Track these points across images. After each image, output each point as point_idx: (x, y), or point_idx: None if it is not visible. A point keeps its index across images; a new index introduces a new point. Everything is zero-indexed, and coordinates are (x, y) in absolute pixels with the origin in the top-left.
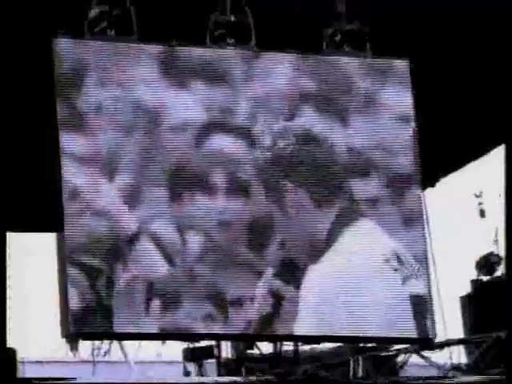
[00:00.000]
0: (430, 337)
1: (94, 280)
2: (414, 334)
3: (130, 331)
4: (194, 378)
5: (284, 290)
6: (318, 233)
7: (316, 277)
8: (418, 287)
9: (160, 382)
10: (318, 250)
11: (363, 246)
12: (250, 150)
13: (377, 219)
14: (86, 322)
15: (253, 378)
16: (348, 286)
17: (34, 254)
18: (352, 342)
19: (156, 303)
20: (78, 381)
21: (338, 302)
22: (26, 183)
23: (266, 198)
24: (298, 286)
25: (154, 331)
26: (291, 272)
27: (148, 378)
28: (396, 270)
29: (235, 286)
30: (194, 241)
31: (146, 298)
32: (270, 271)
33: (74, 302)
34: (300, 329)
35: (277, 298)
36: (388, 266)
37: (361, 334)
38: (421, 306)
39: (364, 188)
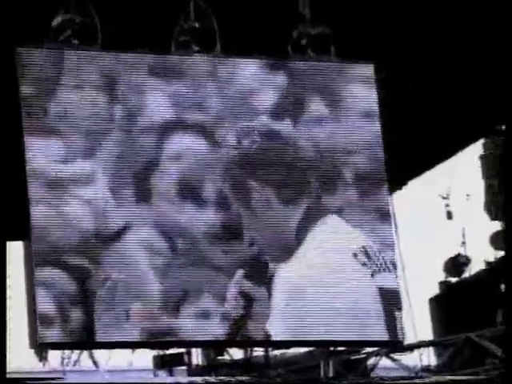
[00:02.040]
0: (400, 339)
1: (64, 288)
2: (383, 333)
3: (102, 340)
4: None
5: (255, 291)
6: (286, 231)
7: (286, 276)
8: (387, 281)
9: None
10: (287, 248)
11: (331, 242)
12: (214, 150)
13: (344, 216)
14: (55, 331)
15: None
16: (318, 284)
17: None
18: (322, 347)
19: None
20: (67, 381)
21: (309, 301)
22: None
23: (232, 197)
24: (268, 287)
25: (134, 339)
26: (261, 272)
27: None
28: (364, 265)
29: (206, 288)
30: (164, 243)
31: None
32: (240, 272)
33: (42, 312)
34: (271, 331)
35: (248, 300)
36: (356, 260)
37: (332, 337)
38: (391, 302)
39: (331, 186)
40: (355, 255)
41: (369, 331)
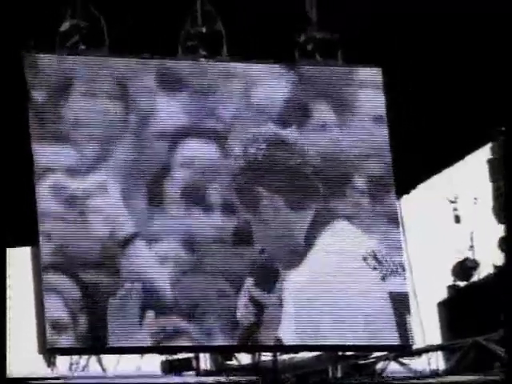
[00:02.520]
0: (411, 343)
1: (73, 294)
2: (395, 338)
3: (111, 345)
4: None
5: (265, 298)
6: (295, 237)
7: (296, 282)
8: (397, 285)
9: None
10: (296, 254)
11: (340, 246)
12: (222, 157)
13: (352, 220)
14: (64, 337)
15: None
16: (328, 288)
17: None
18: (332, 351)
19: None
20: (68, 380)
21: (319, 306)
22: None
23: (241, 206)
24: (279, 294)
25: (147, 344)
26: (271, 279)
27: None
28: (374, 269)
29: (217, 296)
30: (175, 251)
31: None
32: (250, 281)
33: (51, 317)
34: (282, 337)
35: (258, 307)
36: (366, 264)
37: (342, 342)
38: (402, 306)
39: (339, 191)
40: (365, 259)
41: (380, 336)
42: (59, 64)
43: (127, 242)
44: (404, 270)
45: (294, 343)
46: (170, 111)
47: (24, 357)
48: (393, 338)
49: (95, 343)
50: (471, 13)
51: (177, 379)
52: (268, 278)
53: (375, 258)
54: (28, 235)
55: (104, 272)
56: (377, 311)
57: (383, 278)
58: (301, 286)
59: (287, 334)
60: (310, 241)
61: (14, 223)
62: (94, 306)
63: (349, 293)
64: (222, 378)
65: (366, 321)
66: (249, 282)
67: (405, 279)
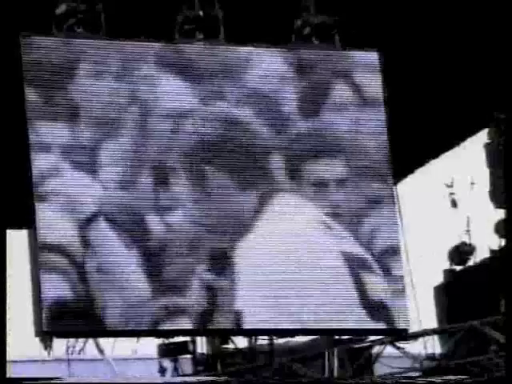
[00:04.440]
0: (404, 328)
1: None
2: (352, 296)
3: (107, 328)
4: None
5: (218, 282)
6: (244, 215)
7: (248, 260)
8: (350, 246)
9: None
10: (245, 231)
11: (289, 218)
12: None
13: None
14: (61, 320)
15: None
16: (279, 255)
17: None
18: (325, 335)
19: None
20: (67, 380)
21: (275, 283)
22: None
23: (189, 184)
24: (231, 276)
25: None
26: (223, 262)
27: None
28: (325, 233)
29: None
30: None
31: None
32: (202, 265)
33: (47, 300)
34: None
35: (211, 292)
36: (316, 229)
37: (299, 324)
38: (356, 264)
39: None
40: (315, 224)
41: (339, 299)
42: (56, 46)
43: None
44: (357, 234)
45: (255, 327)
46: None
47: (21, 340)
48: (351, 297)
49: (91, 326)
50: None
51: (177, 379)
52: (218, 260)
53: (324, 223)
54: (24, 217)
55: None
56: (332, 273)
57: (335, 241)
58: (252, 263)
59: (246, 315)
60: (258, 217)
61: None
62: (87, 289)
63: (301, 256)
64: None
65: (324, 284)
66: (200, 266)
67: (358, 241)
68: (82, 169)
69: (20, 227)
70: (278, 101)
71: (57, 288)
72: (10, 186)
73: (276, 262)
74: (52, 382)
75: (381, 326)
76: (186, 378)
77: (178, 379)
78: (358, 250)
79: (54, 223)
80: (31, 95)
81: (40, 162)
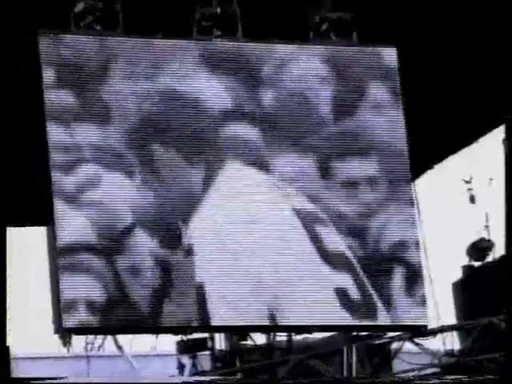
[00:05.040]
0: (423, 324)
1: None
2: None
3: (124, 325)
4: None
5: (171, 257)
6: (193, 188)
7: (200, 228)
8: (299, 202)
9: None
10: (195, 204)
11: (240, 187)
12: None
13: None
14: (79, 316)
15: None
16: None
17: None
18: (340, 331)
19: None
20: (69, 380)
21: (228, 244)
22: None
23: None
24: (185, 250)
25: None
26: (175, 236)
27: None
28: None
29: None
30: None
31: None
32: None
33: (66, 297)
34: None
35: (166, 269)
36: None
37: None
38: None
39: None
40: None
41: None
42: (80, 43)
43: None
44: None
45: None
46: None
47: (39, 336)
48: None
49: (110, 323)
50: None
51: (177, 379)
52: (170, 235)
53: (274, 185)
54: (41, 216)
55: (114, 247)
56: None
57: (284, 197)
58: (205, 233)
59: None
60: (206, 189)
61: (24, 203)
62: (107, 285)
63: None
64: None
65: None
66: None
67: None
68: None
69: (22, 225)
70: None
71: (76, 286)
72: (12, 183)
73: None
74: (54, 381)
75: (400, 322)
76: (184, 378)
77: (177, 379)
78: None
79: (74, 223)
80: (62, 96)
81: (59, 160)
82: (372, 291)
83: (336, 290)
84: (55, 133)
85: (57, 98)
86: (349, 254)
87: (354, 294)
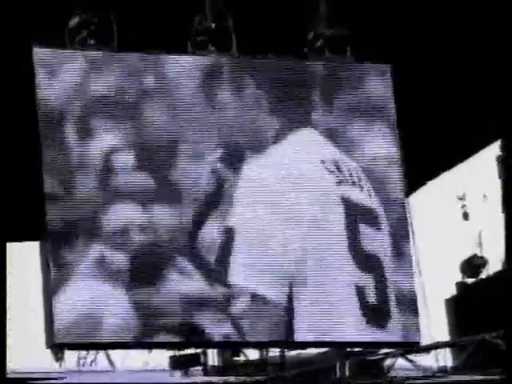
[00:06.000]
0: (416, 340)
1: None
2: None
3: (116, 340)
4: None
5: (226, 174)
6: (265, 129)
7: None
8: (355, 195)
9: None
10: (262, 144)
11: (303, 151)
12: None
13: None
14: (72, 332)
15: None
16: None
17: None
18: (336, 347)
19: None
20: (69, 380)
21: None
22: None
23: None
24: (238, 173)
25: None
26: (235, 158)
27: None
28: (331, 172)
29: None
30: None
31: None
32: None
33: (59, 313)
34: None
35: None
36: (324, 168)
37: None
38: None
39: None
40: (323, 162)
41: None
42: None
43: None
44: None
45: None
46: None
47: (29, 352)
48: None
49: (102, 338)
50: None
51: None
52: (233, 155)
53: (336, 163)
54: (34, 230)
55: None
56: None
57: (339, 184)
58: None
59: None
60: (277, 138)
61: (17, 217)
62: (97, 301)
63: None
64: (232, 378)
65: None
66: (216, 153)
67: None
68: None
69: (22, 240)
70: None
71: (67, 298)
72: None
73: None
74: (52, 382)
75: (393, 338)
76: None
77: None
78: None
79: (66, 239)
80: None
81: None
82: (389, 299)
83: (356, 289)
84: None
85: None
86: (381, 256)
87: (372, 297)
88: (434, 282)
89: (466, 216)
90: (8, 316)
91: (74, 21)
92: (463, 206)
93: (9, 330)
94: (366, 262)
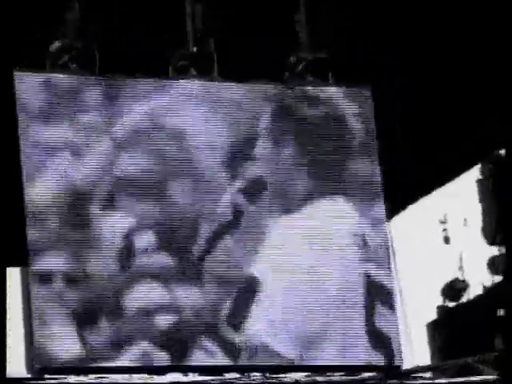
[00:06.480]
0: (398, 364)
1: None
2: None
3: (98, 365)
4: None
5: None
6: (297, 189)
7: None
8: (377, 273)
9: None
10: (290, 201)
11: (331, 219)
12: None
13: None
14: (52, 355)
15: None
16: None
17: None
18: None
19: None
20: (69, 380)
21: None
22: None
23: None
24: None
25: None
26: (257, 191)
27: None
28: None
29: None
30: None
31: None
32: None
33: (39, 336)
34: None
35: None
36: (352, 241)
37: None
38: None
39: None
40: (353, 235)
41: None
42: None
43: None
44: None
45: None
46: None
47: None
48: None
49: (83, 362)
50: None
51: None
52: (254, 189)
53: (363, 239)
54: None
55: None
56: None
57: (365, 262)
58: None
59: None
60: (308, 200)
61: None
62: (80, 325)
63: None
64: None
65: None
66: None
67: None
68: None
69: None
70: None
71: (49, 324)
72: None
73: None
74: (54, 382)
75: (374, 362)
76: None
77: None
78: None
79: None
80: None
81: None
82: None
83: None
84: None
85: None
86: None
87: None
88: (416, 306)
89: (447, 240)
90: (8, 316)
91: (55, 45)
92: (444, 230)
93: (9, 330)
94: None
